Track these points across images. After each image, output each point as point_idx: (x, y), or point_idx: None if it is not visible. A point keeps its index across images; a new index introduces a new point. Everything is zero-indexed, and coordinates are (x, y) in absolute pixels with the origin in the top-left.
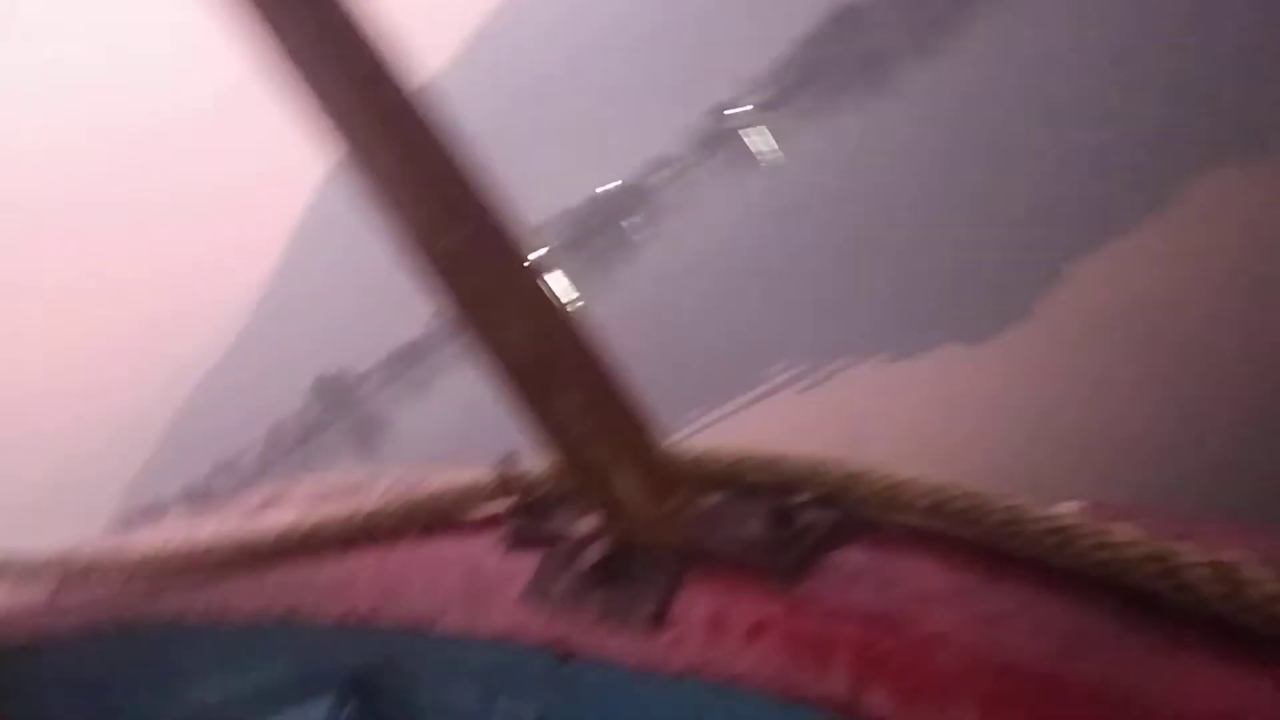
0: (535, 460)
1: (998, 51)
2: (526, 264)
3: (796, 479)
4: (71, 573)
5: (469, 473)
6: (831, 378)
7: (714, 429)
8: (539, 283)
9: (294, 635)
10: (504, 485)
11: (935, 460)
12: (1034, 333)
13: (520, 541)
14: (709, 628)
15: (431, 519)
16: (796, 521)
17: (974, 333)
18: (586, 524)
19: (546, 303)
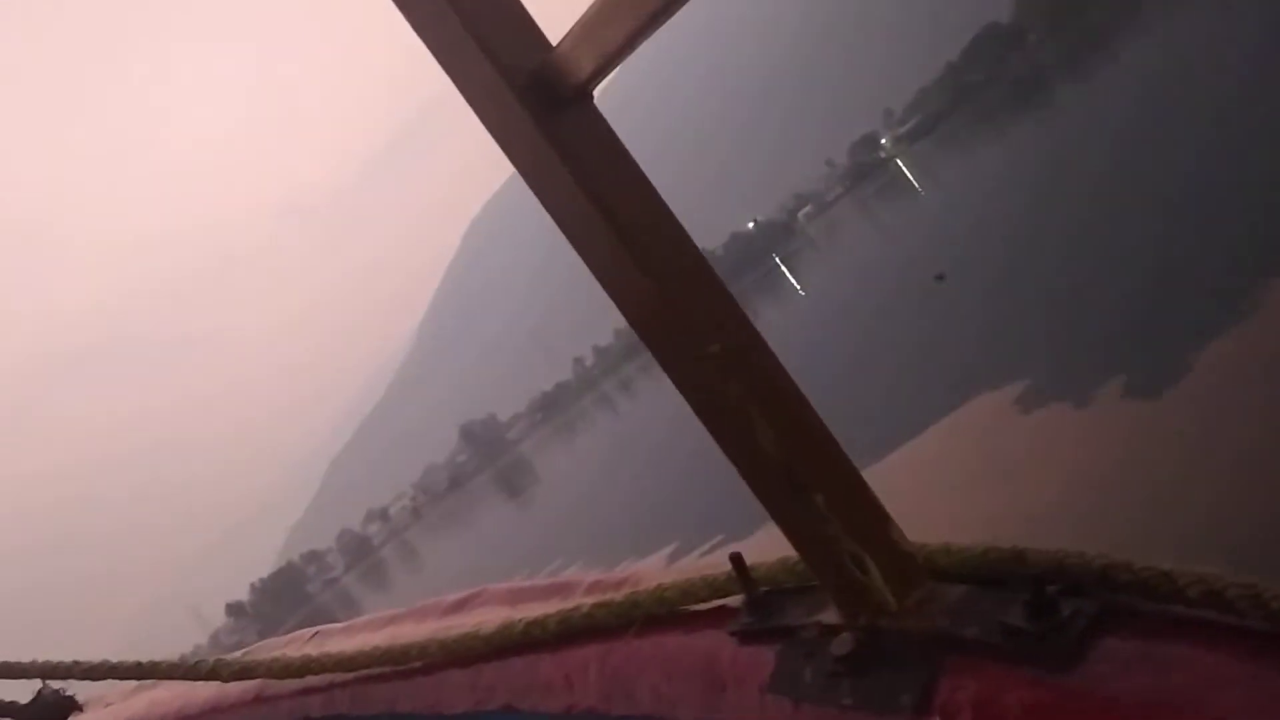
0: (763, 555)
1: (1159, 69)
2: (776, 368)
3: (1047, 570)
4: (283, 670)
5: (685, 571)
6: (971, 409)
7: (878, 465)
8: (787, 386)
9: None
10: (730, 579)
11: (1092, 509)
12: (1198, 379)
13: (754, 635)
14: (977, 715)
15: (656, 613)
16: (1060, 610)
17: (1134, 376)
18: (828, 615)
19: (794, 406)
